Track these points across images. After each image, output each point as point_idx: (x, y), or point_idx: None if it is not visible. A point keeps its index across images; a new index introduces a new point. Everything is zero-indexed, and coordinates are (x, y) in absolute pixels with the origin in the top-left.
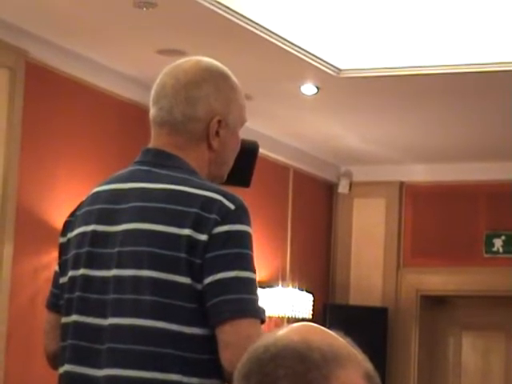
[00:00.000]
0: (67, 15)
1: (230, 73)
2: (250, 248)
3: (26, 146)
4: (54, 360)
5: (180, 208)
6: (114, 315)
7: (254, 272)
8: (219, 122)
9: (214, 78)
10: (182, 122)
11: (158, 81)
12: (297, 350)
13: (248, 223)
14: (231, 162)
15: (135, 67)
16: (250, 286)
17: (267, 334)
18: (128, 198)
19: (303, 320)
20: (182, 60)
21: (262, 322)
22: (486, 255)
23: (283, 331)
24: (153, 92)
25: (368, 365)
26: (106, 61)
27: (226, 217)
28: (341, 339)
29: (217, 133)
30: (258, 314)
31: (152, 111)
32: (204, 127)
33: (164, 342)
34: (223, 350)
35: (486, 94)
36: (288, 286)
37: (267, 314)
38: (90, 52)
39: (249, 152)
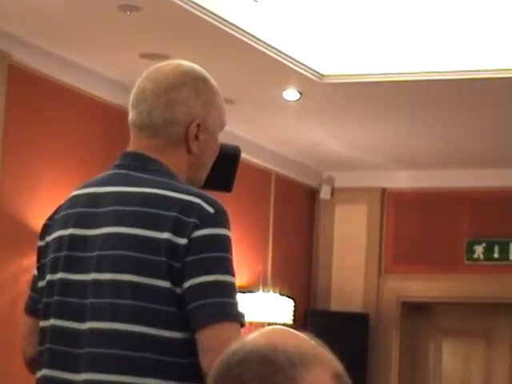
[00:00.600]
0: (51, 18)
1: (209, 76)
2: (230, 252)
3: (8, 150)
4: (32, 364)
5: (159, 212)
6: (93, 319)
7: (234, 276)
8: (198, 125)
9: (194, 82)
10: (161, 126)
11: (137, 84)
12: (262, 354)
13: (227, 227)
14: (210, 166)
15: (119, 71)
16: (229, 290)
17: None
18: (107, 202)
19: (284, 325)
20: (161, 63)
21: (242, 325)
22: (467, 262)
23: (251, 336)
24: (132, 95)
25: (337, 365)
26: (90, 64)
27: (206, 221)
28: (309, 341)
29: (196, 136)
30: (237, 318)
31: (131, 115)
32: (183, 131)
33: (143, 346)
34: (203, 354)
35: (469, 101)
36: (269, 291)
37: (248, 319)
38: (73, 55)
39: (231, 157)
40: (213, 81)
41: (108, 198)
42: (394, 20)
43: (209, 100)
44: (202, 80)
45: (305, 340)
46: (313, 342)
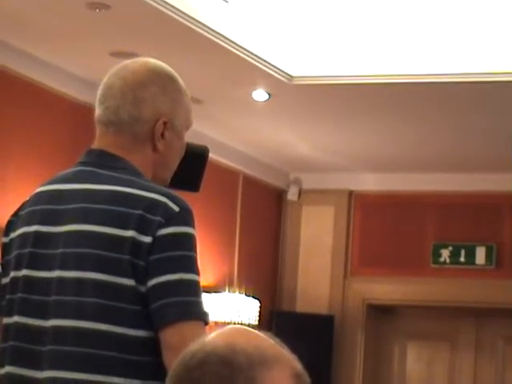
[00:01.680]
0: (19, 16)
1: (176, 75)
2: (194, 250)
3: None
4: None
5: (124, 210)
6: (56, 317)
7: (198, 274)
8: (165, 123)
9: (161, 80)
10: (127, 123)
11: (104, 81)
12: (221, 355)
13: (192, 225)
14: (175, 165)
15: (88, 69)
16: (193, 289)
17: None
18: (71, 199)
19: (249, 326)
20: (129, 61)
21: (206, 324)
22: (433, 265)
23: (210, 337)
24: (99, 92)
25: (296, 364)
26: (59, 62)
27: (170, 219)
28: (268, 340)
29: (162, 134)
30: (201, 317)
31: (98, 111)
32: (149, 128)
33: (107, 344)
34: (166, 352)
35: (435, 105)
36: (235, 291)
37: (213, 319)
38: (42, 53)
39: (198, 157)
40: (180, 80)
41: (73, 195)
42: (364, 22)
43: (176, 98)
44: (170, 78)
45: (264, 340)
46: (272, 341)
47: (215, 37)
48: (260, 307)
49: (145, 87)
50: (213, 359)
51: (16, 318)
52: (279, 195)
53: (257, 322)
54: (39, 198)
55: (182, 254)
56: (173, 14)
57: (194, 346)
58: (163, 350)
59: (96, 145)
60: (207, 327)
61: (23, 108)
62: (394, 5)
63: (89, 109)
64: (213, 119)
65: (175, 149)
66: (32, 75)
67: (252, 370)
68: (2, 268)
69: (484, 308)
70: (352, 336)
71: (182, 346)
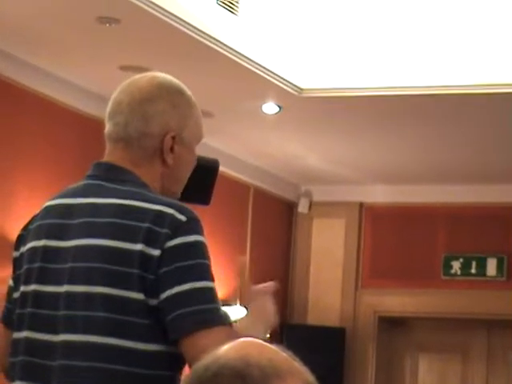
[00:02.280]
0: (30, 29)
1: (185, 88)
2: (205, 257)
3: None
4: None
5: (132, 223)
6: (66, 331)
7: (212, 280)
8: (174, 137)
9: (170, 94)
10: (136, 138)
11: (113, 97)
12: (235, 368)
13: (200, 233)
14: (186, 179)
15: (97, 83)
16: (207, 296)
17: (211, 352)
18: (79, 213)
19: (260, 339)
20: (137, 76)
21: (230, 325)
22: (443, 277)
23: (223, 349)
24: (108, 108)
25: (309, 376)
26: (68, 76)
27: (178, 230)
28: (281, 353)
29: (171, 149)
30: (221, 321)
31: (107, 127)
32: (158, 143)
33: (117, 358)
34: (190, 363)
35: (447, 117)
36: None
37: None
38: (51, 67)
39: (209, 170)
40: (189, 93)
41: (81, 209)
42: (373, 35)
43: (185, 112)
44: (178, 92)
45: (277, 352)
46: (285, 354)
47: (225, 50)
48: None
49: (153, 102)
50: (226, 372)
51: (26, 333)
52: (290, 208)
53: (268, 335)
54: (47, 212)
55: (191, 263)
56: (182, 28)
57: (206, 359)
58: (187, 361)
59: (105, 159)
60: (233, 327)
61: (32, 121)
62: (404, 17)
63: (97, 122)
64: (223, 132)
65: (185, 162)
66: (41, 89)
67: (265, 382)
68: (14, 282)
69: (495, 319)
70: (363, 348)
71: (198, 357)
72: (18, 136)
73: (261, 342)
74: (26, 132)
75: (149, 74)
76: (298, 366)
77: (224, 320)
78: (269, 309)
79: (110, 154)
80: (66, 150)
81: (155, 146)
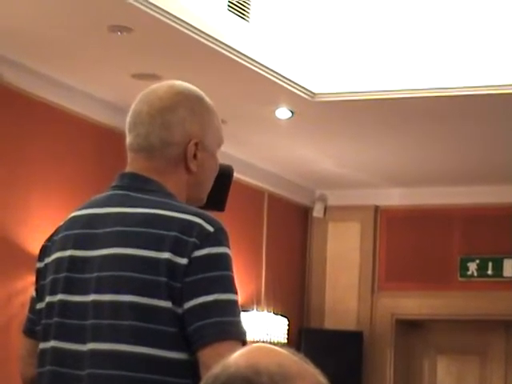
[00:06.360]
0: (42, 38)
1: (204, 95)
2: (230, 269)
3: None
4: None
5: (159, 232)
6: (94, 340)
7: (236, 293)
8: (196, 144)
9: (189, 102)
10: (159, 148)
11: (132, 108)
12: (245, 376)
13: (227, 245)
14: (210, 184)
15: (110, 91)
16: (230, 308)
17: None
18: (106, 223)
19: (278, 344)
20: (155, 85)
21: (244, 343)
22: (460, 279)
23: (232, 357)
24: (128, 119)
25: (320, 378)
26: (81, 85)
27: (205, 240)
28: (291, 357)
29: (195, 155)
30: (238, 336)
31: (129, 138)
32: (181, 151)
33: (144, 367)
34: (204, 373)
35: (461, 118)
36: (263, 310)
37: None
38: (64, 76)
39: (223, 176)
40: (207, 99)
41: (107, 219)
42: (384, 38)
43: (205, 118)
44: (197, 99)
45: (287, 357)
46: (295, 358)
47: (237, 56)
48: (288, 325)
49: (173, 111)
50: (236, 381)
51: (53, 343)
52: (305, 212)
53: (286, 340)
54: (73, 222)
55: (217, 274)
56: (194, 35)
57: (216, 369)
58: (201, 370)
59: (128, 169)
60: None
61: (46, 131)
62: (417, 20)
63: (111, 131)
64: (237, 138)
65: (208, 168)
66: (54, 98)
67: None
68: (37, 293)
69: None
70: (381, 351)
71: None
72: (32, 146)
73: (271, 346)
74: (40, 142)
75: (166, 83)
76: (308, 368)
77: (242, 336)
78: None
79: (133, 164)
80: (80, 159)
81: (178, 154)
